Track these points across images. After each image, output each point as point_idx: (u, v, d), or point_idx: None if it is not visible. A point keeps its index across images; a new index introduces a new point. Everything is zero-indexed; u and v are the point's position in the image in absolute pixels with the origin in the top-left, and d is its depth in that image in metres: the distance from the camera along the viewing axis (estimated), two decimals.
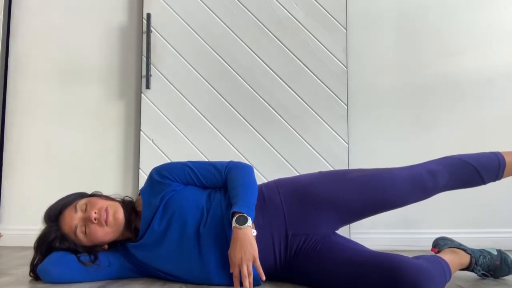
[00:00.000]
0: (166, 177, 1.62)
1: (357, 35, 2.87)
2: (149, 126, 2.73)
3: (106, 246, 1.63)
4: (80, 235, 1.56)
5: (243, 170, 1.63)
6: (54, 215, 1.58)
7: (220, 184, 1.65)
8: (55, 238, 1.55)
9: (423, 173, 1.65)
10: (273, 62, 2.76)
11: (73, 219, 1.56)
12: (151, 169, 1.68)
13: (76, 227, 1.55)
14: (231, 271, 1.42)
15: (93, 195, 1.66)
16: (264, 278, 1.44)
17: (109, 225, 1.56)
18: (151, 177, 1.65)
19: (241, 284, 1.41)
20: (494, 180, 1.73)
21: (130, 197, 1.71)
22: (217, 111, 2.74)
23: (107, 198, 1.65)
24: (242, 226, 1.44)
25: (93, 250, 1.59)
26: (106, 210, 1.56)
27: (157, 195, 1.59)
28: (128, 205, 1.65)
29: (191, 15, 2.79)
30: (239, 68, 2.76)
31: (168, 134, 2.72)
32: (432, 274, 1.33)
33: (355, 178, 1.64)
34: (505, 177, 1.73)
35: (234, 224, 1.45)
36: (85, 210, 1.57)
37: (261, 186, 1.67)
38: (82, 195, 1.64)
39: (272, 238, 1.56)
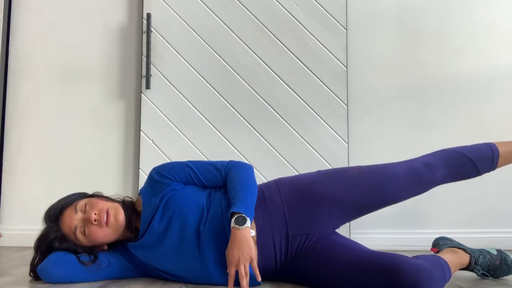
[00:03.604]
0: (166, 176, 1.62)
1: (357, 35, 2.87)
2: (149, 126, 2.73)
3: (106, 247, 1.63)
4: (80, 235, 1.56)
5: (243, 170, 1.63)
6: (54, 215, 1.58)
7: (220, 183, 1.65)
8: (55, 238, 1.55)
9: (420, 166, 1.66)
10: (273, 62, 2.76)
11: (73, 219, 1.56)
12: (151, 169, 1.68)
13: (76, 227, 1.55)
14: (228, 271, 1.42)
15: (93, 195, 1.66)
16: (259, 279, 1.44)
17: (109, 226, 1.56)
18: (151, 177, 1.65)
19: (237, 284, 1.41)
20: (489, 171, 1.76)
21: (130, 198, 1.71)
22: (217, 111, 2.74)
23: (108, 199, 1.65)
24: (241, 227, 1.44)
25: (93, 250, 1.59)
26: (107, 211, 1.56)
27: (157, 195, 1.59)
28: (128, 206, 1.65)
29: (191, 15, 2.79)
30: (239, 68, 2.76)
31: (168, 134, 2.72)
32: (432, 274, 1.33)
33: (354, 176, 1.65)
34: (499, 167, 1.77)
35: (233, 224, 1.45)
36: (85, 211, 1.57)
37: (261, 186, 1.67)
38: (82, 196, 1.64)
39: (273, 238, 1.56)
